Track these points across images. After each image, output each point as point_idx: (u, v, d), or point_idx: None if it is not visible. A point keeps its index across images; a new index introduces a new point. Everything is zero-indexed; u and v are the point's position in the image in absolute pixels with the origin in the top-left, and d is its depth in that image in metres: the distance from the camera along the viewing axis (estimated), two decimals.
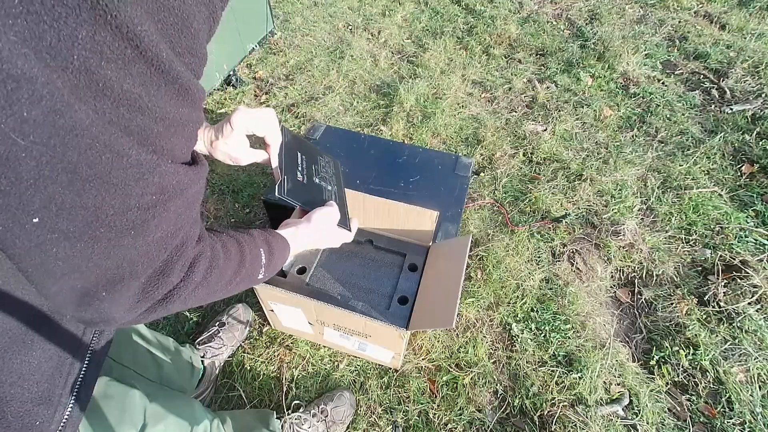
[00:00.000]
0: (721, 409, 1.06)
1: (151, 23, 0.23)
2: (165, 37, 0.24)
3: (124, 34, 0.22)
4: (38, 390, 0.38)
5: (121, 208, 0.28)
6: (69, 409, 0.41)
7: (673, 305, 1.24)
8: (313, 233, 0.65)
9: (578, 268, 1.33)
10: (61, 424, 0.40)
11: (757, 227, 1.39)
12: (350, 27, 2.26)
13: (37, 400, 0.37)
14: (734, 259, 1.29)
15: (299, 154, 0.76)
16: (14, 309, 0.33)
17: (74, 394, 0.41)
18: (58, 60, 0.20)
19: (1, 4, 0.18)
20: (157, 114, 0.26)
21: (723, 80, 1.93)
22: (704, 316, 1.21)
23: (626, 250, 1.37)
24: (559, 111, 1.81)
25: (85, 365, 0.42)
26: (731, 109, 1.80)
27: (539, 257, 1.35)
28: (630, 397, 1.08)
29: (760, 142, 1.64)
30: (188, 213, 0.34)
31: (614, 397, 1.08)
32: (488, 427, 1.03)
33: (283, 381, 1.08)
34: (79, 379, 0.41)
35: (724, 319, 1.20)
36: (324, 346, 1.14)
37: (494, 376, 1.11)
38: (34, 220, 0.25)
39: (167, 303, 0.37)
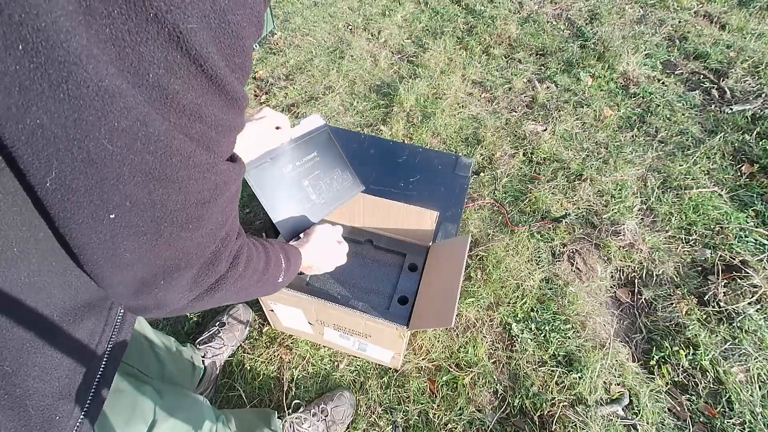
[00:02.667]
0: (721, 409, 1.06)
1: (214, 45, 0.26)
2: (223, 57, 0.27)
3: (191, 56, 0.25)
4: (59, 385, 0.38)
5: (183, 204, 0.31)
6: (87, 405, 0.41)
7: (673, 305, 1.24)
8: (316, 248, 0.70)
9: (578, 268, 1.33)
10: (79, 420, 0.41)
11: (757, 227, 1.39)
12: (350, 27, 2.27)
13: (57, 394, 0.38)
14: (734, 259, 1.29)
15: (315, 153, 0.79)
16: (39, 305, 0.34)
17: (93, 390, 0.42)
18: (137, 77, 0.24)
19: (96, 32, 0.21)
20: (212, 121, 0.29)
21: (723, 80, 1.93)
22: (704, 316, 1.21)
23: (626, 250, 1.37)
24: (559, 111, 1.81)
25: (104, 362, 0.42)
26: (731, 109, 1.80)
27: (539, 257, 1.35)
28: (630, 397, 1.08)
29: (760, 142, 1.64)
30: (231, 207, 0.38)
31: (614, 397, 1.08)
32: (488, 427, 1.03)
33: (283, 381, 1.08)
34: (98, 376, 0.42)
35: (724, 319, 1.20)
36: (324, 346, 1.14)
37: (494, 376, 1.11)
38: (111, 216, 0.28)
39: (213, 292, 0.41)
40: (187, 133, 0.28)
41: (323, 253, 0.72)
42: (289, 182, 0.76)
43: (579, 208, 1.47)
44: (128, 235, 0.30)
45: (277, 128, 0.75)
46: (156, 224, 0.31)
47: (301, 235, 0.75)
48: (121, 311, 0.42)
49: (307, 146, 0.79)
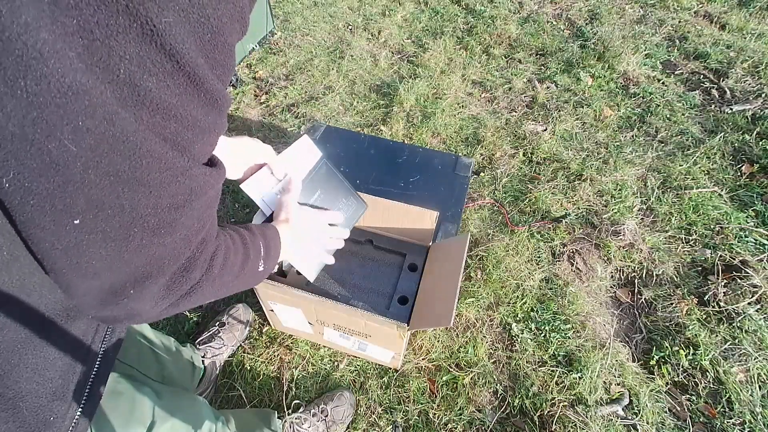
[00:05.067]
0: (721, 409, 1.06)
1: (192, 41, 0.24)
2: (202, 53, 0.26)
3: (167, 51, 0.23)
4: (53, 386, 0.38)
5: (154, 209, 0.29)
6: (82, 405, 0.41)
7: (673, 305, 1.24)
8: (297, 224, 0.65)
9: (578, 268, 1.33)
10: (74, 420, 0.40)
11: (757, 227, 1.39)
12: (350, 27, 2.27)
13: (51, 395, 0.38)
14: (734, 259, 1.29)
15: (319, 192, 0.81)
16: (30, 307, 0.34)
17: (87, 390, 0.42)
18: (107, 73, 0.22)
19: (61, 24, 0.20)
20: (189, 122, 0.28)
21: (723, 80, 1.93)
22: (704, 316, 1.21)
23: (626, 250, 1.37)
24: (559, 111, 1.81)
25: (98, 362, 0.42)
26: (731, 109, 1.80)
27: (539, 257, 1.35)
28: (630, 397, 1.08)
29: (760, 142, 1.64)
30: (209, 212, 0.37)
31: (614, 397, 1.08)
32: (488, 427, 1.03)
33: (283, 381, 1.08)
34: (92, 376, 0.42)
35: (724, 319, 1.20)
36: (324, 346, 1.14)
37: (494, 376, 1.11)
38: (75, 222, 0.27)
39: (189, 297, 0.39)
40: (161, 134, 0.27)
41: (304, 228, 0.67)
42: None
43: (579, 208, 1.47)
44: (95, 242, 0.28)
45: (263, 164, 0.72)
46: (125, 230, 0.29)
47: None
48: None
49: (312, 186, 0.81)
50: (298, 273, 0.93)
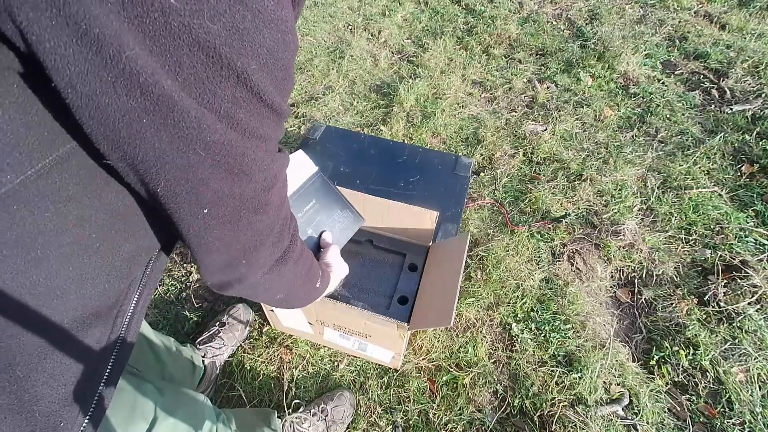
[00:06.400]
0: (721, 409, 1.06)
1: (269, 80, 0.32)
2: (276, 87, 0.33)
3: (254, 91, 0.31)
4: (65, 391, 0.39)
5: (254, 192, 0.38)
6: (91, 411, 0.42)
7: (673, 305, 1.24)
8: (336, 272, 0.73)
9: (578, 268, 1.33)
10: (82, 427, 0.41)
11: (757, 227, 1.39)
12: (350, 27, 2.27)
13: (63, 400, 0.38)
14: (734, 259, 1.29)
15: (314, 201, 0.82)
16: (55, 310, 0.35)
17: (97, 396, 0.42)
18: (213, 112, 0.30)
19: (187, 80, 0.27)
20: (267, 135, 0.36)
21: (723, 80, 1.93)
22: (704, 316, 1.21)
23: (626, 250, 1.37)
24: (559, 111, 1.81)
25: (110, 366, 0.43)
26: (731, 109, 1.80)
27: (539, 257, 1.35)
28: (630, 397, 1.08)
29: (760, 142, 1.64)
30: (284, 191, 0.46)
31: (614, 397, 1.08)
32: (488, 427, 1.03)
33: (283, 381, 1.08)
34: (102, 383, 0.42)
35: (724, 319, 1.20)
36: (324, 346, 1.14)
37: (494, 376, 1.11)
38: (204, 211, 0.35)
39: (282, 264, 0.48)
40: (251, 144, 0.35)
41: (339, 275, 0.75)
42: None
43: (579, 208, 1.47)
44: (216, 225, 0.37)
45: None
46: (237, 212, 0.37)
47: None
48: (127, 320, 0.44)
49: (306, 196, 0.83)
50: None
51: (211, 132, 0.31)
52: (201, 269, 0.43)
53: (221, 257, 0.41)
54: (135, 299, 0.43)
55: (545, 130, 1.74)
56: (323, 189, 0.86)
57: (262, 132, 0.35)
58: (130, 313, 0.43)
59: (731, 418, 1.04)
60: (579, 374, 1.10)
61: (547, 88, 1.93)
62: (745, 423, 1.03)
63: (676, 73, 2.01)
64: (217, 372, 1.07)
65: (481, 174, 1.58)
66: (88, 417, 0.41)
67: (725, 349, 1.15)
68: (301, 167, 0.85)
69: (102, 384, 0.42)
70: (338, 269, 0.74)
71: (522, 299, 1.24)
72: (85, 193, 0.32)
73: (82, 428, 0.41)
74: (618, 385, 1.10)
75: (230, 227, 0.38)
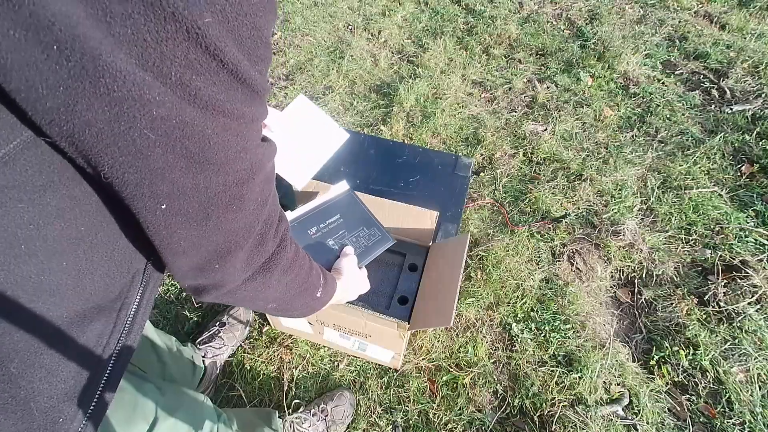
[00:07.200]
0: (721, 409, 1.06)
1: (231, 39, 0.26)
2: (243, 50, 0.28)
3: (211, 52, 0.26)
4: (65, 387, 0.38)
5: (224, 186, 0.33)
6: (91, 408, 0.41)
7: (673, 305, 1.24)
8: (346, 281, 0.71)
9: (578, 268, 1.33)
10: (83, 423, 0.40)
11: (757, 227, 1.39)
12: (350, 27, 2.27)
13: (62, 396, 0.37)
14: (734, 259, 1.29)
15: (338, 216, 0.84)
16: (49, 307, 0.34)
17: (98, 393, 0.41)
18: (161, 76, 0.25)
19: (118, 33, 0.22)
20: (236, 114, 0.30)
21: (723, 80, 1.93)
22: (704, 316, 1.21)
23: (626, 250, 1.37)
24: (559, 111, 1.81)
25: (111, 364, 0.42)
26: (731, 109, 1.80)
27: (539, 257, 1.35)
28: (630, 397, 1.08)
29: (760, 142, 1.64)
30: (268, 187, 0.40)
31: (614, 397, 1.08)
32: (488, 427, 1.03)
33: (283, 381, 1.08)
34: (104, 378, 0.42)
35: (724, 319, 1.20)
36: (324, 346, 1.14)
37: (494, 376, 1.11)
38: (162, 207, 0.30)
39: (267, 272, 0.43)
40: (217, 124, 0.30)
41: (351, 285, 0.73)
42: (314, 243, 0.80)
43: (579, 208, 1.47)
44: (180, 224, 0.32)
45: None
46: (203, 209, 0.33)
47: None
48: (132, 314, 0.42)
49: (331, 210, 0.85)
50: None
51: (158, 105, 0.25)
52: (171, 272, 0.38)
53: (190, 260, 0.37)
54: (140, 292, 0.42)
55: (545, 130, 1.74)
56: (351, 205, 0.88)
57: (230, 108, 0.29)
58: (135, 306, 0.42)
59: (731, 418, 1.04)
60: (579, 374, 1.10)
61: (547, 88, 1.93)
62: (745, 423, 1.03)
63: (676, 73, 2.01)
64: (218, 372, 1.07)
65: (481, 174, 1.58)
66: (88, 414, 0.40)
67: (725, 349, 1.15)
68: (336, 189, 0.88)
69: (104, 380, 0.42)
70: (351, 280, 0.72)
71: (522, 299, 1.24)
72: (61, 181, 0.29)
73: (82, 424, 0.40)
74: (618, 385, 1.10)
75: (196, 226, 0.33)
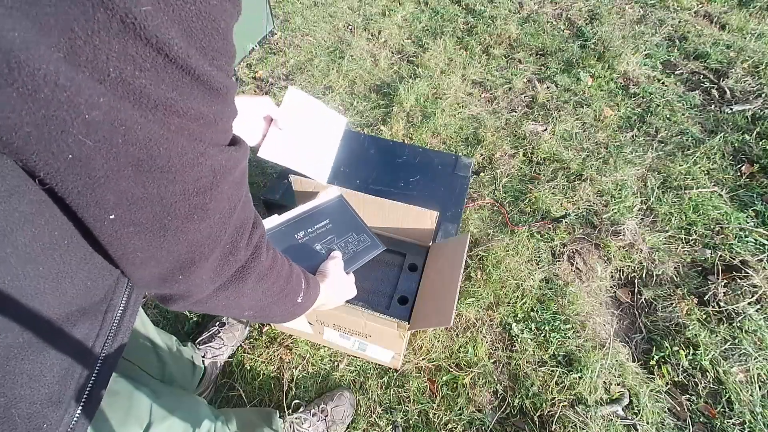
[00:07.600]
0: (721, 409, 1.06)
1: (179, 31, 0.23)
2: (193, 43, 0.25)
3: (154, 45, 0.22)
4: (48, 391, 0.37)
5: (182, 195, 0.29)
6: (78, 411, 0.40)
7: (673, 305, 1.24)
8: (331, 284, 0.69)
9: (578, 268, 1.33)
10: (69, 427, 0.39)
11: (757, 227, 1.39)
12: (350, 27, 2.27)
13: (46, 401, 0.37)
14: (734, 259, 1.29)
15: (327, 221, 0.84)
16: (30, 311, 0.33)
17: (85, 396, 0.40)
18: (97, 73, 0.22)
19: (41, 26, 0.19)
20: (192, 114, 0.27)
21: (723, 80, 1.93)
22: (704, 316, 1.21)
23: (626, 250, 1.37)
24: (559, 111, 1.81)
25: (97, 367, 0.41)
26: (731, 109, 1.80)
27: (539, 257, 1.35)
28: (630, 397, 1.08)
29: (760, 142, 1.64)
30: (238, 192, 0.36)
31: (614, 397, 1.08)
32: (488, 427, 1.03)
33: (283, 381, 1.08)
34: (91, 381, 0.41)
35: (724, 319, 1.20)
36: (324, 346, 1.14)
37: (494, 376, 1.11)
38: (111, 217, 0.28)
39: (239, 281, 0.41)
40: (167, 126, 0.26)
41: (337, 289, 0.71)
42: (302, 247, 0.80)
43: (579, 208, 1.47)
44: (133, 234, 0.30)
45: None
46: (158, 220, 0.30)
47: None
48: (118, 315, 0.41)
49: (320, 215, 0.85)
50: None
51: (91, 107, 0.22)
52: (133, 282, 0.36)
53: (149, 271, 0.34)
54: (126, 293, 0.40)
55: (545, 130, 1.74)
56: (340, 211, 0.88)
57: (184, 108, 0.26)
58: (121, 308, 0.40)
59: (731, 418, 1.04)
60: (579, 374, 1.10)
61: (547, 88, 1.93)
62: (745, 423, 1.03)
63: (676, 73, 2.01)
64: (218, 372, 1.06)
65: (481, 174, 1.58)
66: (76, 416, 0.40)
67: (725, 349, 1.15)
68: (326, 194, 0.87)
69: (92, 382, 0.41)
70: (336, 283, 0.70)
71: (522, 299, 1.24)
72: (28, 186, 0.26)
73: (69, 428, 0.39)
74: (618, 385, 1.10)
75: (152, 237, 0.30)
